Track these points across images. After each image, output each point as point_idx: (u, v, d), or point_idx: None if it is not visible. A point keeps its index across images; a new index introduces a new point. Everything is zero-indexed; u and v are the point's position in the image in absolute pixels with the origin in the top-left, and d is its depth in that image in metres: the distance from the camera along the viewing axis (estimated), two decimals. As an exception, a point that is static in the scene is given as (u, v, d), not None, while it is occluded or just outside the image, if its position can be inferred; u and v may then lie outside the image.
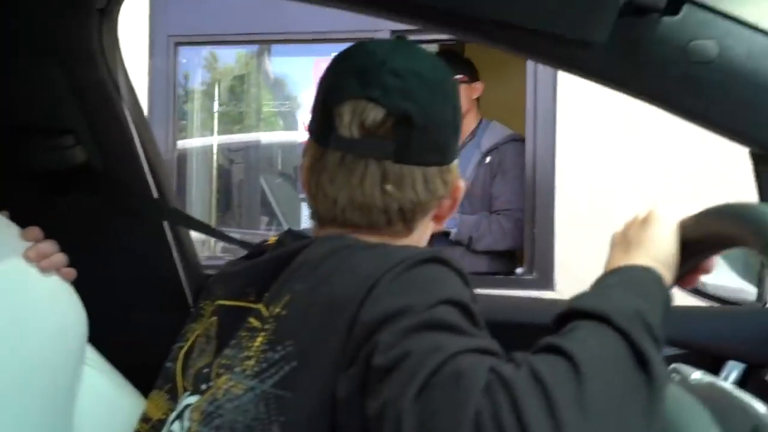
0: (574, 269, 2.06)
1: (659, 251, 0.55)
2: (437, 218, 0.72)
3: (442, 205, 0.71)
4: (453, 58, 2.16)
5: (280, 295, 0.60)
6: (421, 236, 0.71)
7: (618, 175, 2.11)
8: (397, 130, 0.63)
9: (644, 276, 0.53)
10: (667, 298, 0.52)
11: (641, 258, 0.54)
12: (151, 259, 1.00)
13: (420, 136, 0.64)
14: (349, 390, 0.52)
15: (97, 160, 0.92)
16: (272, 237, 0.92)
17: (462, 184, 0.72)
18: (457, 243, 2.10)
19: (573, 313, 0.49)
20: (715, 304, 0.98)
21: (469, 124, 2.20)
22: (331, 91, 0.66)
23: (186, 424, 0.63)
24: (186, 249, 1.06)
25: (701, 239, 0.53)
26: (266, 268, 0.66)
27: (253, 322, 0.62)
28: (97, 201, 0.93)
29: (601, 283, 0.53)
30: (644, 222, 0.58)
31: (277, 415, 0.55)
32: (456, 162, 0.71)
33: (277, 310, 0.59)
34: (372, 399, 0.50)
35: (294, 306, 0.58)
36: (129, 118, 0.92)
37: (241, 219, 3.35)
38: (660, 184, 2.06)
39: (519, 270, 2.20)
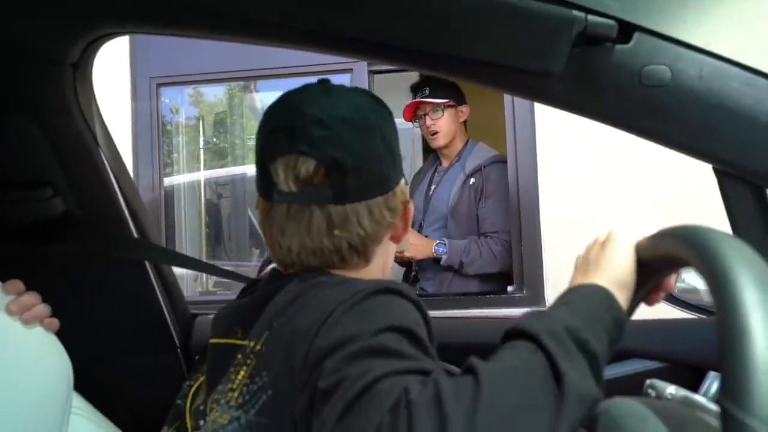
0: (564, 284, 2.07)
1: (615, 271, 0.57)
2: (394, 239, 0.76)
3: (395, 228, 0.75)
4: (439, 82, 2.16)
5: (261, 332, 0.64)
6: (383, 262, 0.76)
7: (601, 188, 2.14)
8: (331, 176, 0.67)
9: (592, 294, 0.55)
10: (617, 314, 0.54)
11: (597, 278, 0.57)
12: (135, 302, 1.01)
13: (355, 176, 0.68)
14: (301, 410, 0.56)
15: (75, 209, 0.93)
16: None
17: (411, 204, 0.76)
18: (449, 268, 2.11)
19: (512, 332, 0.52)
20: (700, 315, 1.00)
21: (455, 146, 2.23)
22: (265, 150, 0.70)
23: None
24: (171, 289, 1.06)
25: (656, 259, 0.54)
26: (249, 307, 0.70)
27: (240, 357, 0.65)
28: (77, 249, 0.94)
29: (554, 303, 0.55)
30: (603, 244, 0.60)
31: None
32: (401, 183, 0.75)
33: (258, 347, 0.63)
34: (316, 419, 0.54)
35: (270, 341, 0.63)
36: (107, 166, 0.94)
37: (232, 252, 3.35)
38: (642, 194, 2.09)
39: (510, 288, 2.21)
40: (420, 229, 2.22)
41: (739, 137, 0.69)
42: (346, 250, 0.70)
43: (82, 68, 0.88)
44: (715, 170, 0.74)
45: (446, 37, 0.70)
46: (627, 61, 0.69)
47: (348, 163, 0.67)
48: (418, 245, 2.09)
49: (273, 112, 0.72)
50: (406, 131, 3.46)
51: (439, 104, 2.16)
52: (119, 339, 0.99)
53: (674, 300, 0.97)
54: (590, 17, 0.67)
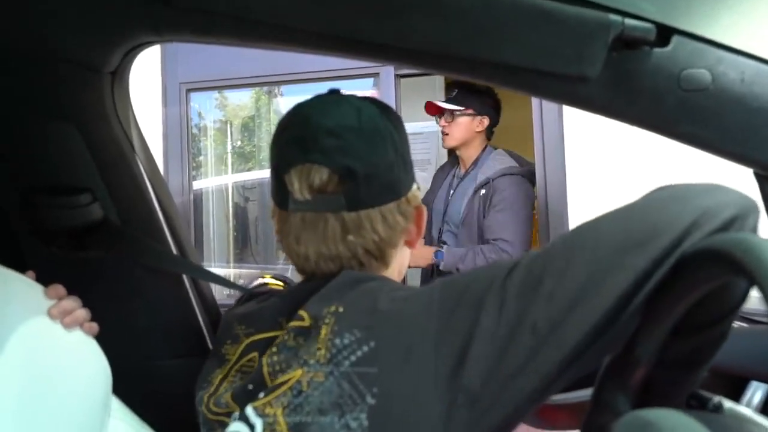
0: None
1: None
2: (408, 243, 0.79)
3: (409, 232, 0.77)
4: (468, 88, 2.17)
5: (325, 305, 0.66)
6: (399, 265, 0.79)
7: (632, 194, 2.10)
8: (344, 184, 0.69)
9: None
10: None
11: None
12: (171, 307, 1.02)
13: (367, 183, 0.70)
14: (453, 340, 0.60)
15: (113, 215, 0.95)
16: (267, 275, 0.97)
17: (424, 209, 0.78)
18: (448, 274, 2.10)
19: None
20: (740, 324, 0.98)
21: (471, 152, 2.23)
22: (279, 161, 0.73)
23: (258, 422, 0.65)
24: (203, 292, 1.08)
25: (706, 258, 0.53)
26: (297, 296, 0.71)
27: (307, 325, 0.66)
28: (115, 255, 0.96)
29: None
30: None
31: (368, 387, 0.60)
32: (414, 188, 0.77)
33: (332, 309, 0.65)
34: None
35: (349, 304, 0.65)
36: (144, 173, 0.96)
37: (259, 255, 3.38)
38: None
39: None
40: (440, 234, 2.23)
41: None
42: (362, 255, 0.72)
43: (120, 76, 0.90)
44: (756, 175, 0.73)
45: (481, 43, 0.70)
46: (665, 65, 0.68)
47: (360, 171, 0.69)
48: (418, 253, 2.10)
49: (286, 123, 0.75)
50: (431, 135, 3.46)
51: (451, 110, 2.19)
52: (154, 342, 1.01)
53: None
54: (627, 21, 0.66)
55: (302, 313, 0.67)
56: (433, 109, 2.27)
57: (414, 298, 0.64)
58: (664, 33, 0.67)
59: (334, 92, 0.77)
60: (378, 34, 0.71)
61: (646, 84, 0.69)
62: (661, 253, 0.52)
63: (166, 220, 0.99)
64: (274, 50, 0.88)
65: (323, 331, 0.64)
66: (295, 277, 0.98)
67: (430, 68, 0.88)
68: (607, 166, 2.14)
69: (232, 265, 3.30)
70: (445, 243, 2.22)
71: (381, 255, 0.74)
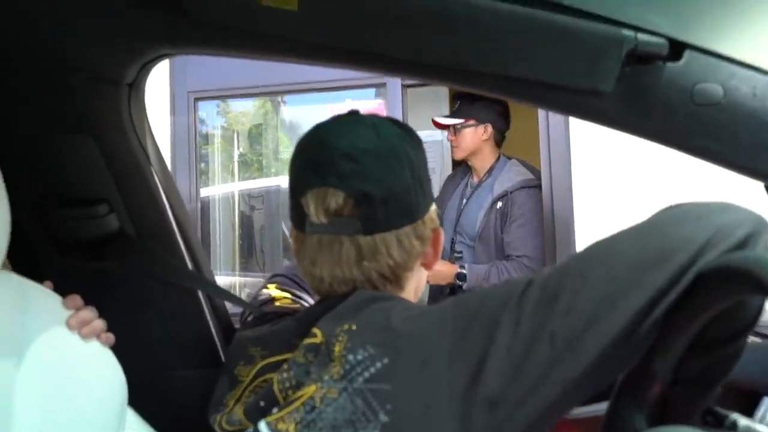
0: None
1: None
2: (425, 266, 0.78)
3: (426, 255, 0.76)
4: (470, 99, 2.18)
5: (338, 324, 0.66)
6: (415, 287, 0.78)
7: (639, 208, 2.10)
8: (360, 208, 0.69)
9: None
10: None
11: None
12: (184, 318, 1.03)
13: (383, 207, 0.70)
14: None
15: (129, 226, 0.96)
16: (271, 286, 0.97)
17: (441, 231, 0.78)
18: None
19: None
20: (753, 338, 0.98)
21: (482, 162, 2.23)
22: (297, 184, 0.73)
23: None
24: (216, 303, 1.09)
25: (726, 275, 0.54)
26: (312, 317, 0.71)
27: (321, 342, 0.66)
28: (131, 266, 0.97)
29: None
30: None
31: (382, 405, 0.60)
32: (432, 210, 0.76)
33: (346, 327, 0.65)
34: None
35: (362, 322, 0.65)
36: (159, 184, 0.97)
37: (264, 264, 3.39)
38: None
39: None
40: (452, 245, 2.22)
41: None
42: (377, 279, 0.72)
43: (137, 88, 0.91)
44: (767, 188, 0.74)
45: (495, 57, 0.71)
46: (678, 80, 0.69)
47: (376, 195, 0.69)
48: (440, 272, 2.07)
49: (304, 145, 0.75)
50: (435, 143, 3.47)
51: (454, 124, 2.20)
52: (168, 353, 1.01)
53: None
54: (640, 36, 0.67)
55: (315, 330, 0.67)
56: (439, 125, 2.29)
57: (427, 316, 0.64)
58: (677, 48, 0.68)
59: (353, 113, 0.77)
60: (390, 48, 0.72)
61: (659, 98, 0.70)
62: (678, 270, 0.53)
63: (180, 232, 1.00)
64: (286, 63, 0.89)
65: (337, 348, 0.64)
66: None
67: (441, 82, 0.89)
68: (613, 175, 2.15)
69: (237, 273, 3.30)
70: (459, 254, 2.20)
71: (396, 278, 0.74)
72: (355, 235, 0.70)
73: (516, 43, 0.70)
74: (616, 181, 2.14)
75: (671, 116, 0.70)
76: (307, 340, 0.67)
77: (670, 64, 0.68)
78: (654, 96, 0.70)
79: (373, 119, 0.76)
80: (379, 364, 0.61)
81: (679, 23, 0.69)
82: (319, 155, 0.71)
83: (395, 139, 0.73)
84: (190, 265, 1.02)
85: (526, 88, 0.73)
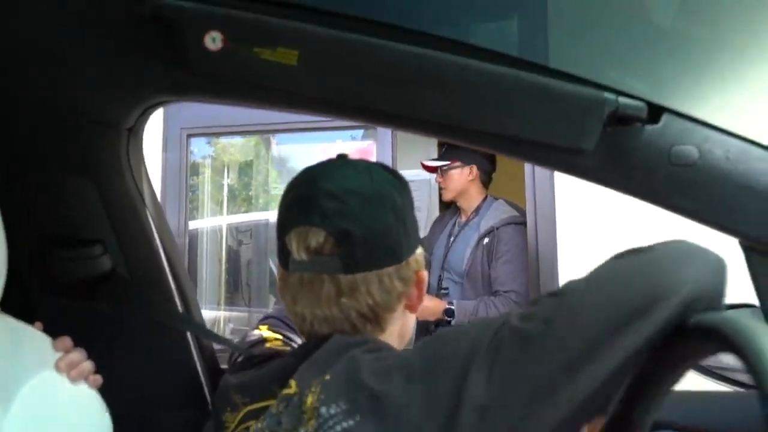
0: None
1: None
2: (409, 308, 0.78)
3: (409, 297, 0.76)
4: (450, 145, 2.27)
5: (314, 374, 0.65)
6: (400, 330, 0.78)
7: (622, 246, 2.14)
8: (340, 246, 0.70)
9: None
10: None
11: None
12: (172, 359, 1.03)
13: (363, 246, 0.70)
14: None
15: (122, 267, 0.97)
16: (263, 327, 0.98)
17: (425, 274, 0.78)
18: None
19: None
20: (733, 387, 0.99)
21: (470, 201, 2.28)
22: (282, 222, 0.75)
23: None
24: (203, 345, 1.09)
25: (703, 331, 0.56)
26: (292, 363, 0.71)
27: (293, 393, 0.66)
28: (121, 306, 0.97)
29: None
30: None
31: None
32: (418, 252, 0.77)
33: (320, 378, 0.64)
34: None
35: (336, 374, 0.64)
36: (153, 227, 0.98)
37: (250, 299, 3.37)
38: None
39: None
40: (440, 281, 2.24)
41: (764, 215, 0.72)
42: (356, 318, 0.72)
43: (136, 132, 0.93)
44: (742, 245, 0.77)
45: (485, 116, 0.74)
46: (656, 141, 0.72)
47: (356, 234, 0.70)
48: (428, 307, 2.09)
49: (293, 185, 0.77)
50: (423, 182, 3.52)
51: (441, 166, 2.27)
52: (155, 394, 1.01)
53: (706, 371, 0.96)
54: (621, 99, 0.71)
55: (291, 381, 0.67)
56: (427, 168, 2.36)
57: (395, 370, 0.63)
58: (655, 111, 0.71)
59: (342, 157, 0.80)
60: (385, 104, 0.75)
61: (638, 158, 0.73)
62: (649, 331, 0.56)
63: (171, 273, 1.01)
64: (283, 112, 0.92)
65: (309, 399, 0.64)
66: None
67: (434, 136, 0.92)
68: (597, 215, 2.19)
69: (222, 307, 3.28)
70: (445, 290, 2.23)
71: (376, 319, 0.74)
72: (335, 273, 0.70)
73: (504, 103, 0.73)
74: (600, 221, 2.18)
75: (650, 175, 0.74)
76: (284, 391, 0.67)
77: (648, 127, 0.72)
78: (634, 156, 0.73)
79: (362, 163, 0.78)
80: (351, 421, 0.61)
81: (658, 88, 0.73)
82: (306, 194, 0.73)
83: (381, 181, 0.75)
84: (179, 306, 1.03)
85: (513, 144, 0.77)
